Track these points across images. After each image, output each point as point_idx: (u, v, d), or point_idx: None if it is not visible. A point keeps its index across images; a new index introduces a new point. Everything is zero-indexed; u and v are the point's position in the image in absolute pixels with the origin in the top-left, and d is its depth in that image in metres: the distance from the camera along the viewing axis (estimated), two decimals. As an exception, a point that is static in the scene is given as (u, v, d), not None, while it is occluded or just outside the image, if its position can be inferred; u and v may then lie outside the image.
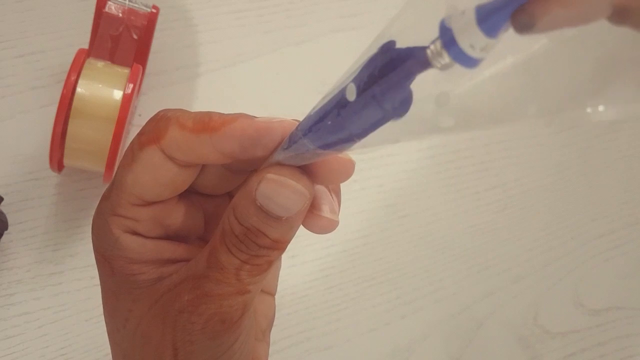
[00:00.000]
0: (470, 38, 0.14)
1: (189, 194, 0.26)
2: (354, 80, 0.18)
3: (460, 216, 0.53)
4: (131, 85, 0.39)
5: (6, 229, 0.42)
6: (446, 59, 0.15)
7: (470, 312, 0.52)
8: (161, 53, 0.46)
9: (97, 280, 0.45)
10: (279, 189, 0.22)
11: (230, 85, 0.48)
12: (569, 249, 0.56)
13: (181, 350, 0.23)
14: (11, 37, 0.44)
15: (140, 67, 0.40)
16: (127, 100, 0.38)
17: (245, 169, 0.26)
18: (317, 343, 0.48)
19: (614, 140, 0.59)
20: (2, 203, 0.42)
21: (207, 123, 0.23)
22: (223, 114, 0.23)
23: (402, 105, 0.17)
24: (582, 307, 0.56)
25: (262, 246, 0.22)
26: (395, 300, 0.51)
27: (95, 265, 0.46)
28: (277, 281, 0.30)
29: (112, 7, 0.41)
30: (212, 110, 0.24)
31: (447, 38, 0.15)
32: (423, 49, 0.16)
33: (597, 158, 0.58)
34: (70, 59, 0.38)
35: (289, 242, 0.23)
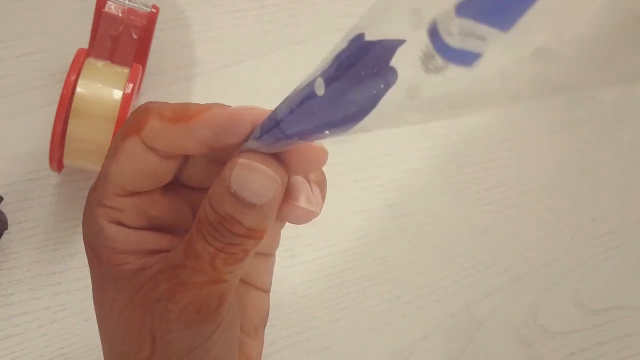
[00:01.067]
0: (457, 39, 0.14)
1: (177, 187, 0.27)
2: (322, 75, 0.18)
3: (460, 216, 0.53)
4: (131, 85, 0.39)
5: (6, 229, 0.42)
6: (439, 61, 0.15)
7: (471, 312, 0.52)
8: (161, 53, 0.46)
9: (97, 280, 0.45)
10: (251, 174, 0.22)
11: (230, 85, 0.48)
12: (569, 249, 0.56)
13: (159, 339, 0.24)
14: (11, 37, 0.44)
15: (140, 67, 0.40)
16: (127, 100, 0.38)
17: (226, 160, 0.26)
18: (317, 343, 0.48)
19: (614, 140, 0.59)
20: (2, 203, 0.42)
21: (184, 113, 0.23)
22: (200, 104, 0.24)
23: (370, 101, 0.17)
24: (582, 307, 0.55)
25: (237, 234, 0.22)
26: (395, 300, 0.51)
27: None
28: (272, 278, 0.30)
29: (112, 7, 0.41)
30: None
31: (438, 40, 0.15)
32: (392, 41, 0.16)
33: (597, 158, 0.58)
34: (70, 59, 0.38)
35: (265, 232, 0.23)
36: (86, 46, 0.41)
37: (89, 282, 0.44)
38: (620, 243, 0.57)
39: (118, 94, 0.39)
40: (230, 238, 0.22)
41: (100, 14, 0.40)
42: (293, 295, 0.48)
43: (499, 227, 0.54)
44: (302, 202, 0.24)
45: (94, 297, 0.27)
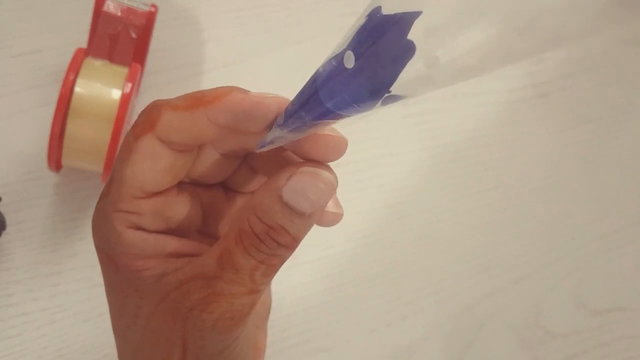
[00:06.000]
0: None
1: (186, 186, 0.27)
2: (349, 48, 0.19)
3: (460, 216, 0.53)
4: (130, 85, 0.39)
5: (4, 229, 0.42)
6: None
7: (471, 313, 0.52)
8: (160, 52, 0.46)
9: (95, 281, 0.45)
10: (312, 181, 0.22)
11: (229, 84, 0.48)
12: (570, 250, 0.56)
13: (191, 345, 0.24)
14: (9, 36, 0.44)
15: (139, 66, 0.40)
16: (125, 100, 0.38)
17: (238, 151, 0.26)
18: (317, 344, 0.48)
19: (614, 140, 0.58)
20: (0, 203, 0.42)
21: (199, 98, 0.23)
22: (215, 88, 0.24)
23: (396, 64, 0.17)
24: (584, 308, 0.55)
25: (282, 244, 0.23)
26: (395, 301, 0.50)
27: (95, 266, 0.45)
28: None
29: (110, 6, 0.40)
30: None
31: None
32: (408, 13, 0.17)
33: (598, 158, 0.58)
34: (68, 58, 0.38)
35: (300, 241, 0.24)
36: (84, 45, 0.40)
37: (88, 282, 0.44)
38: (622, 243, 0.57)
39: (117, 94, 0.38)
40: (274, 248, 0.23)
41: (98, 13, 0.40)
42: (293, 296, 0.48)
43: (499, 228, 0.54)
44: (331, 207, 0.25)
45: (110, 305, 0.26)
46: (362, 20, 0.18)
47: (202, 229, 0.28)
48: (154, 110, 0.24)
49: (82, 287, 0.44)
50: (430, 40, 0.16)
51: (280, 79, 0.49)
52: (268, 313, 0.30)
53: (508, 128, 0.55)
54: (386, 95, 0.18)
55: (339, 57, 0.19)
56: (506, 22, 0.15)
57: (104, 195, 0.25)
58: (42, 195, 0.44)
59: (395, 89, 0.18)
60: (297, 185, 0.22)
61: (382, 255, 0.51)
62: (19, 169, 0.43)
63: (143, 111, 0.24)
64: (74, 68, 0.38)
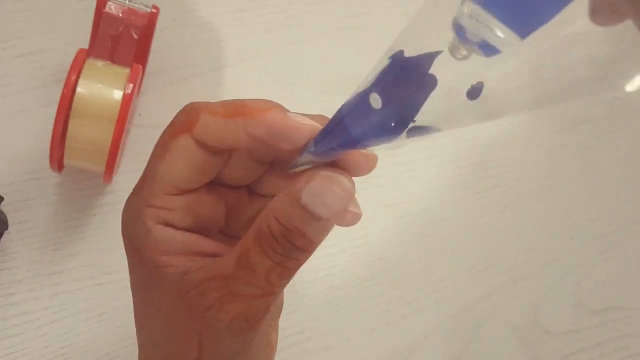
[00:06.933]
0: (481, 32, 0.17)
1: (214, 186, 0.27)
2: (375, 90, 0.20)
3: (460, 216, 0.53)
4: (131, 86, 0.39)
5: (6, 229, 0.42)
6: (464, 51, 0.17)
7: (471, 312, 0.52)
8: (161, 53, 0.46)
9: (97, 281, 0.45)
10: (329, 186, 0.23)
11: (230, 84, 0.48)
12: (569, 249, 0.56)
13: (207, 344, 0.25)
14: (11, 37, 0.44)
15: (141, 67, 0.40)
16: (127, 101, 0.38)
17: (268, 159, 0.27)
18: (317, 343, 0.48)
19: (614, 140, 0.59)
20: (3, 203, 0.42)
21: (239, 108, 0.24)
22: (254, 100, 0.25)
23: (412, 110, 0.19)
24: (583, 307, 0.55)
25: (298, 247, 0.23)
26: (395, 300, 0.51)
27: (96, 266, 0.46)
28: None
29: (112, 7, 0.41)
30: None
31: (460, 31, 0.17)
32: (429, 54, 0.18)
33: (597, 158, 0.58)
34: (70, 59, 0.38)
35: (318, 246, 0.24)
36: (86, 46, 0.41)
37: (89, 282, 0.44)
38: (621, 243, 0.57)
39: (118, 94, 0.39)
40: (291, 251, 0.23)
41: (100, 14, 0.40)
42: (293, 295, 0.48)
43: (499, 227, 0.54)
44: (352, 207, 0.25)
45: (134, 296, 0.27)
46: (386, 63, 0.20)
47: (224, 230, 0.29)
48: (192, 113, 0.25)
49: (83, 287, 0.44)
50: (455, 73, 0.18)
51: (281, 79, 0.49)
52: (280, 311, 0.31)
53: (508, 128, 0.55)
54: (411, 126, 0.20)
55: (364, 96, 0.20)
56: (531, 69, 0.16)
57: (137, 191, 0.26)
58: (44, 195, 0.44)
59: (421, 121, 0.19)
60: (316, 189, 0.23)
61: (382, 255, 0.51)
62: (21, 169, 0.43)
63: (181, 112, 0.25)
64: (76, 69, 0.38)
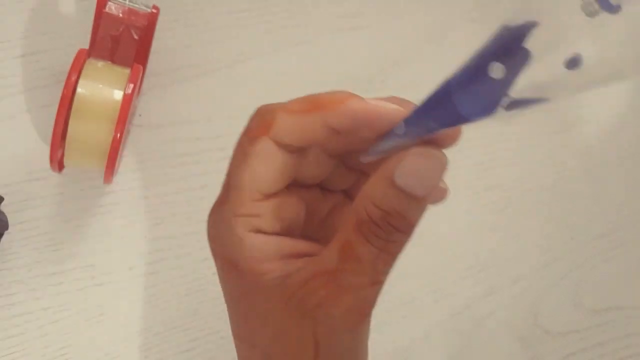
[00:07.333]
0: None
1: (292, 187, 0.27)
2: (498, 59, 0.19)
3: (460, 216, 0.53)
4: (131, 86, 0.39)
5: (7, 229, 0.42)
6: (595, 6, 0.17)
7: (470, 312, 0.52)
8: (161, 53, 0.46)
9: (97, 281, 0.45)
10: (423, 162, 0.22)
11: (230, 85, 0.48)
12: (569, 249, 0.56)
13: (323, 342, 0.24)
14: (12, 37, 0.44)
15: (141, 67, 0.40)
16: (127, 101, 0.38)
17: (342, 151, 0.27)
18: (317, 343, 0.48)
19: (614, 140, 0.59)
20: (3, 203, 0.42)
21: (316, 102, 0.24)
22: (329, 93, 0.25)
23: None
24: (582, 307, 0.56)
25: (400, 230, 0.23)
26: (395, 299, 0.51)
27: (96, 266, 0.46)
28: None
29: (112, 7, 0.41)
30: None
31: None
32: (524, 25, 0.18)
33: (597, 158, 0.58)
34: (70, 59, 0.38)
35: (416, 226, 0.24)
36: (86, 46, 0.41)
37: (90, 282, 0.44)
38: (620, 243, 0.57)
39: (118, 94, 0.39)
40: (394, 235, 0.23)
41: (100, 14, 0.40)
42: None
43: (499, 227, 0.54)
44: (442, 182, 0.25)
45: (233, 312, 0.27)
46: (497, 32, 0.19)
47: (304, 230, 0.28)
48: (267, 114, 0.25)
49: (84, 287, 0.44)
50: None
51: (281, 79, 0.49)
52: None
53: (508, 128, 0.55)
54: (510, 100, 0.19)
55: (480, 66, 0.20)
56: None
57: (222, 203, 0.26)
58: (44, 195, 0.44)
59: (518, 93, 0.19)
60: (409, 168, 0.22)
61: (382, 254, 0.51)
62: (22, 169, 0.43)
63: (255, 115, 0.25)
64: (76, 69, 0.38)
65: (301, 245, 0.26)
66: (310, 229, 0.28)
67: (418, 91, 0.23)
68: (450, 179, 0.56)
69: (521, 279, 0.54)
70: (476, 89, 0.20)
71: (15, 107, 0.44)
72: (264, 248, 0.25)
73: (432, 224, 0.52)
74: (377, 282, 0.24)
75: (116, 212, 0.45)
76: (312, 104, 0.24)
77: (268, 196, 0.25)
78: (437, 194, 0.25)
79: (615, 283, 0.57)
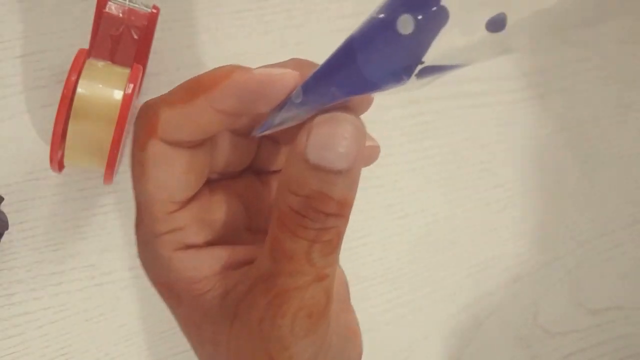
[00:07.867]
0: None
1: (215, 182, 0.24)
2: (409, 11, 0.16)
3: (460, 216, 0.53)
4: (132, 86, 0.39)
5: (7, 228, 0.42)
6: None
7: (470, 311, 0.53)
8: (162, 53, 0.46)
9: (97, 280, 0.45)
10: (334, 131, 0.19)
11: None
12: (569, 249, 0.56)
13: (279, 358, 0.21)
14: (11, 37, 0.44)
15: (141, 67, 0.40)
16: (127, 101, 0.38)
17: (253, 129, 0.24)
18: (317, 343, 0.48)
19: (614, 140, 0.59)
20: (3, 203, 0.42)
21: (196, 87, 0.21)
22: (209, 71, 0.21)
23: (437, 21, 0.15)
24: (582, 307, 0.56)
25: (328, 213, 0.19)
26: (395, 300, 0.51)
27: (96, 266, 0.46)
28: None
29: (112, 7, 0.41)
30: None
31: None
32: None
33: (597, 158, 0.58)
34: (70, 59, 0.38)
35: (352, 204, 0.20)
36: (86, 46, 0.41)
37: (90, 282, 0.44)
38: (620, 243, 0.57)
39: (118, 94, 0.39)
40: (322, 221, 0.19)
41: (100, 14, 0.40)
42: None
43: (498, 227, 0.54)
44: (368, 141, 0.21)
45: (187, 336, 0.24)
46: None
47: (250, 225, 0.25)
48: (149, 112, 0.21)
49: (84, 287, 0.44)
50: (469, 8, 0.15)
51: (281, 79, 0.49)
52: (348, 291, 0.26)
53: (507, 128, 0.55)
54: (421, 67, 0.16)
55: (387, 20, 0.17)
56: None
57: (137, 225, 0.23)
58: (44, 195, 0.44)
59: (431, 59, 0.16)
60: (319, 140, 0.19)
61: (382, 255, 0.51)
62: (21, 169, 0.43)
63: (137, 117, 0.22)
64: (76, 69, 0.38)
65: (240, 251, 0.23)
66: (259, 222, 0.25)
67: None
68: (450, 179, 0.57)
69: (521, 278, 0.54)
70: (382, 47, 0.17)
71: (15, 107, 0.44)
72: (196, 265, 0.22)
73: (432, 224, 0.52)
74: (321, 277, 0.20)
75: (116, 212, 0.45)
76: (191, 90, 0.21)
77: (184, 203, 0.22)
78: (367, 153, 0.21)
79: (615, 283, 0.57)
